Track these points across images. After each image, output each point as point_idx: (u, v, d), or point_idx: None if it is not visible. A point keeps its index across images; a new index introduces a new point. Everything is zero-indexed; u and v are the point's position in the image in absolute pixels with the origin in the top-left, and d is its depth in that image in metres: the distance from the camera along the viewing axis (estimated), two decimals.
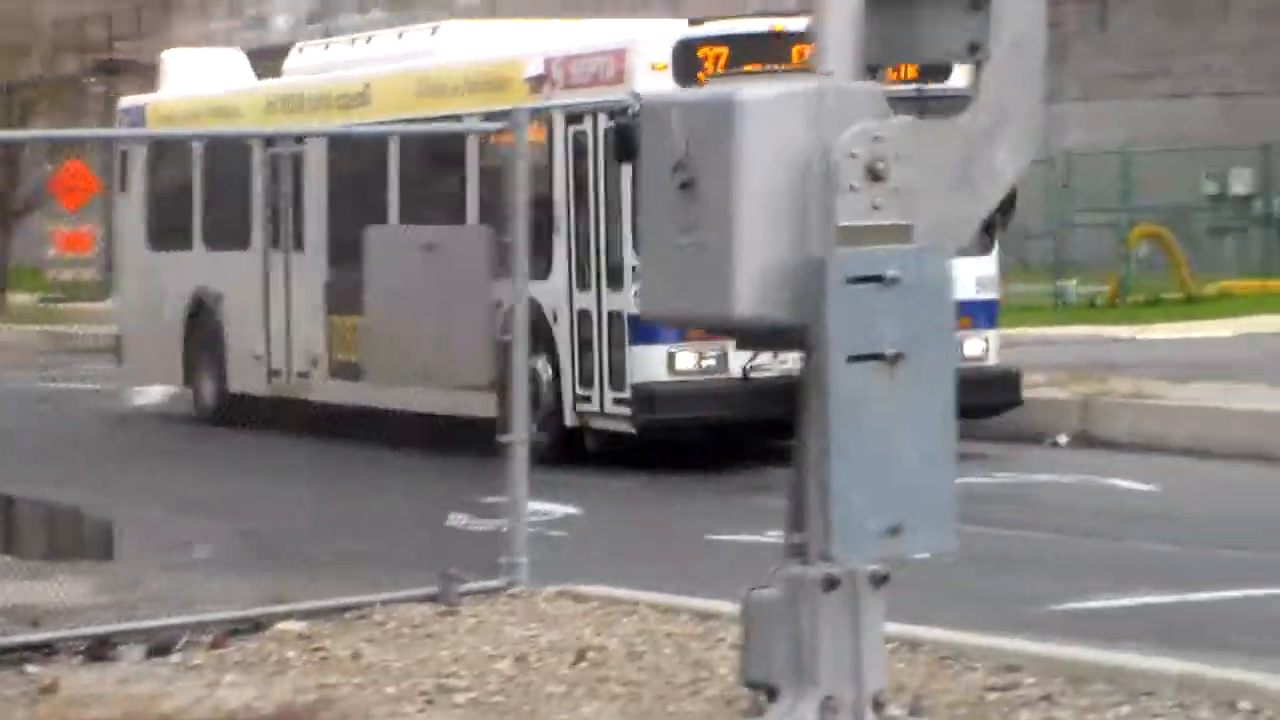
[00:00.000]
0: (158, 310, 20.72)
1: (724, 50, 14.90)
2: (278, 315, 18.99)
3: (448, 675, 7.93)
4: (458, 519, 12.83)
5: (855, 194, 5.91)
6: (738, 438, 16.53)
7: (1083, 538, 13.48)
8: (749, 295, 5.95)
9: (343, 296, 17.38)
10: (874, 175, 5.92)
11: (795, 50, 14.08)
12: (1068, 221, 32.52)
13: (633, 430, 15.18)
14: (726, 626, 7.65)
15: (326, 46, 21.12)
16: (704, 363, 14.94)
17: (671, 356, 14.89)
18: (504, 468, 9.56)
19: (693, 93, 8.67)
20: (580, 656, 8.10)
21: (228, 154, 20.02)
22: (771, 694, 6.16)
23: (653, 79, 14.67)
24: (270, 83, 21.16)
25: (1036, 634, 8.77)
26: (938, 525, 6.09)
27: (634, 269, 13.95)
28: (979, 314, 15.84)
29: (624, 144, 13.50)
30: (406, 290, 9.78)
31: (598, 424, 15.75)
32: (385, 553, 11.56)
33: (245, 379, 19.48)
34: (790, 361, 13.70)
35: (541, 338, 15.44)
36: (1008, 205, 14.31)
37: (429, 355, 10.08)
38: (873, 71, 6.17)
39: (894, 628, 7.10)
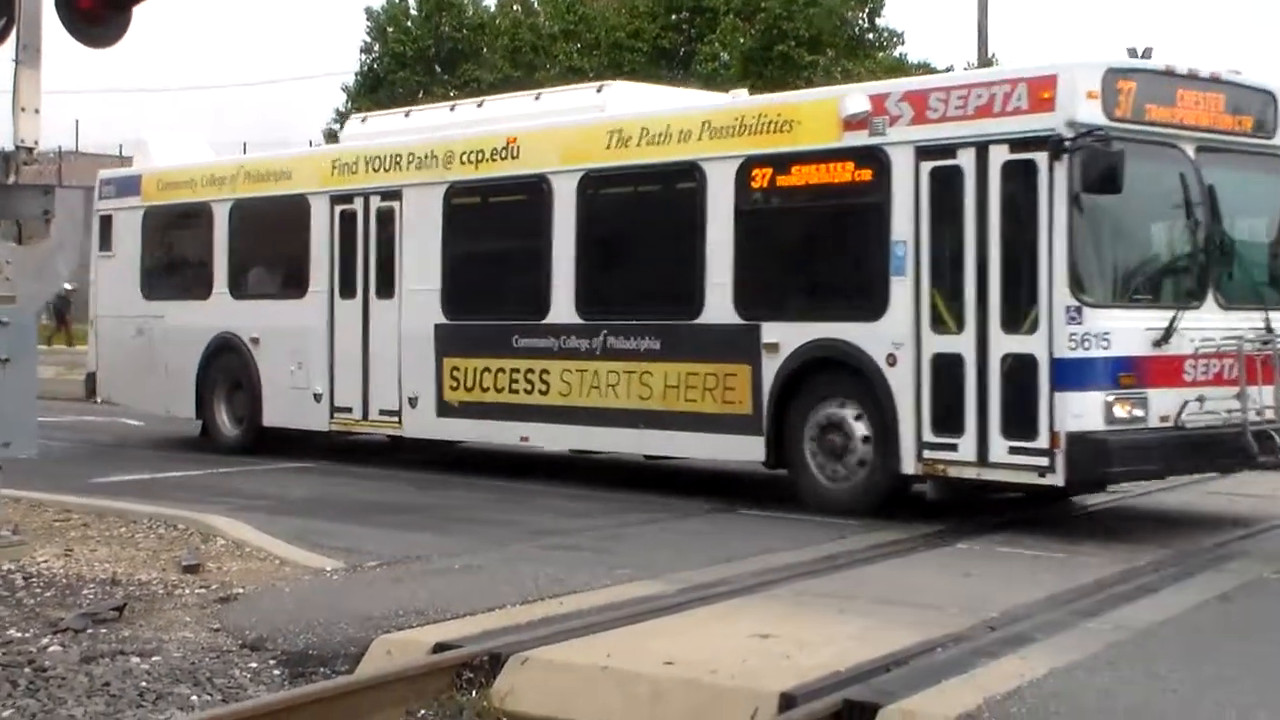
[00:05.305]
0: (161, 352, 18.82)
1: (1133, 84, 11.94)
2: (349, 356, 16.88)
3: None
4: None
5: None
6: None
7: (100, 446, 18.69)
8: None
9: (455, 340, 15.92)
10: None
11: (1178, 93, 12.30)
12: None
13: (1056, 483, 11.68)
14: None
15: (407, 115, 18.08)
16: (1133, 411, 11.63)
17: (1109, 405, 11.51)
18: None
19: None
20: None
21: (273, 212, 18.03)
22: None
23: (1088, 107, 11.67)
24: (334, 147, 19.09)
25: (80, 493, 13.45)
26: (28, 442, 10.02)
27: (1068, 309, 11.53)
28: None
29: (1105, 173, 11.36)
30: None
31: (965, 473, 12.18)
32: None
33: (289, 415, 17.55)
34: (1222, 413, 11.85)
35: (860, 381, 12.77)
36: None
37: None
38: None
39: (8, 491, 11.27)
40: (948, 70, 34.69)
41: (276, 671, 7.81)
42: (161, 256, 19.67)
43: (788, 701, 6.78)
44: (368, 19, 54.05)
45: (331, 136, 49.64)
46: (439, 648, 7.74)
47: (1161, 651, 7.85)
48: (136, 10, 10.25)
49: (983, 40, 34.31)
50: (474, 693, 7.34)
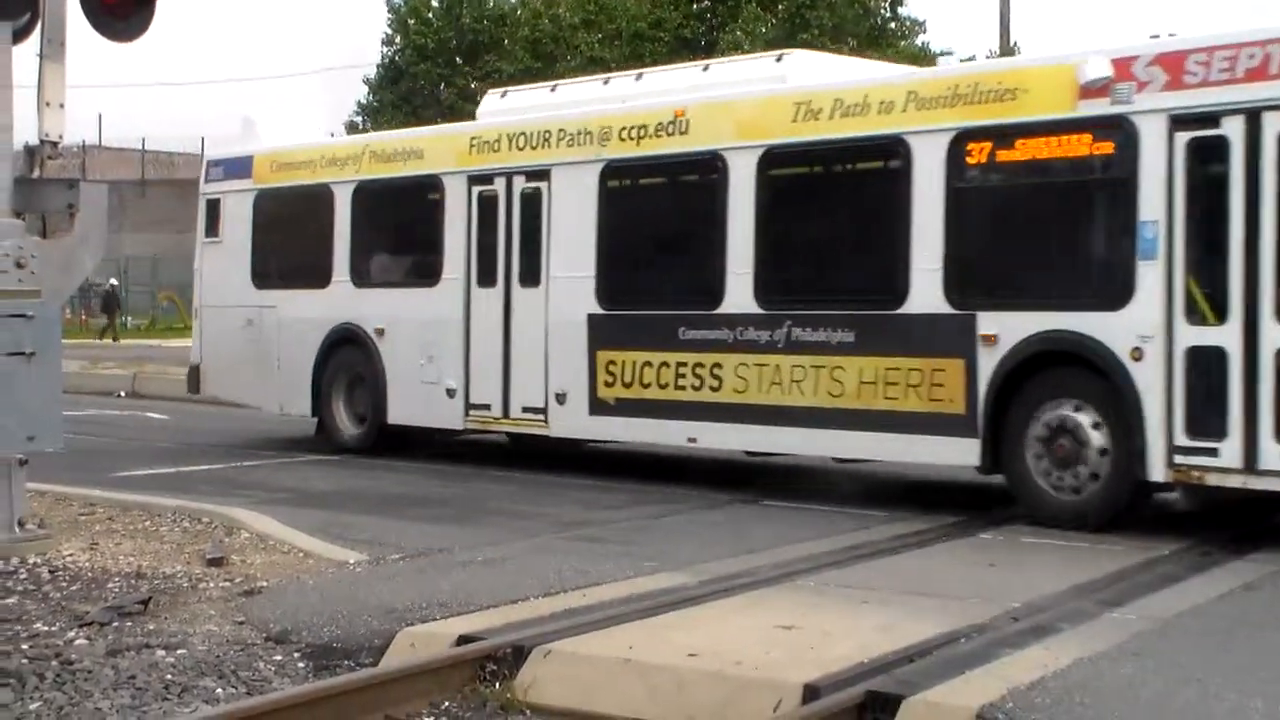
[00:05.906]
0: (273, 344, 17.77)
1: None
2: (487, 349, 15.67)
3: None
4: None
5: (8, 274, 10.02)
6: None
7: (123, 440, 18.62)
8: None
9: (611, 331, 14.61)
10: (19, 265, 10.07)
11: None
12: None
13: None
14: None
15: (553, 89, 16.65)
16: None
17: None
18: None
19: None
20: None
21: (401, 193, 16.79)
22: None
23: None
24: (471, 124, 17.02)
25: (104, 487, 13.47)
26: (53, 436, 10.29)
27: None
28: None
29: None
30: None
31: (1228, 481, 10.88)
32: None
33: (417, 412, 16.43)
34: None
35: (1096, 378, 11.50)
36: None
37: None
38: (18, 215, 10.23)
39: (34, 485, 11.36)
40: (970, 59, 34.54)
41: (301, 664, 7.82)
42: (275, 242, 18.29)
43: (811, 693, 6.78)
44: (389, 12, 54.17)
45: (353, 128, 49.61)
46: (462, 640, 7.75)
47: (1186, 641, 7.84)
48: (159, 4, 10.33)
49: (1005, 28, 34.19)
50: (497, 685, 7.34)
